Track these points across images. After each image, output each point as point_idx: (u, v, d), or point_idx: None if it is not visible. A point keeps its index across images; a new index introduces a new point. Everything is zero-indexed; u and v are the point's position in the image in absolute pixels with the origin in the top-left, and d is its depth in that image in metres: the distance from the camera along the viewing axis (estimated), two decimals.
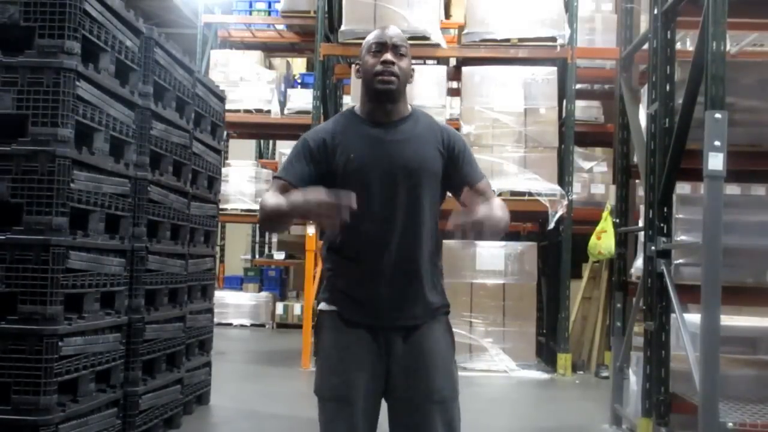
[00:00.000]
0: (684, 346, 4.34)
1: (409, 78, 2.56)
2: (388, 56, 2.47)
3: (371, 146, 2.50)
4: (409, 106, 2.61)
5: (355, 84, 9.14)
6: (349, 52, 9.59)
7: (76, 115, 3.77)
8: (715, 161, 3.89)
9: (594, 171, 10.01)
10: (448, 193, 2.65)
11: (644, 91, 5.63)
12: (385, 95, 2.50)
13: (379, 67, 2.47)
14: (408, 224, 2.49)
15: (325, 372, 2.53)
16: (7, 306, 3.59)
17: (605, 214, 8.37)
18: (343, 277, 2.55)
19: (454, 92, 10.34)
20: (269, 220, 2.45)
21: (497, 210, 2.38)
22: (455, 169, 2.57)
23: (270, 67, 12.79)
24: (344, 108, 11.13)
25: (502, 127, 8.87)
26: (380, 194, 2.47)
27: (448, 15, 10.84)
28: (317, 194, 2.24)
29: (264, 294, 13.61)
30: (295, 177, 2.49)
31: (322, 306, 2.59)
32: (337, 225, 2.25)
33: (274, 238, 16.58)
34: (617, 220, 6.34)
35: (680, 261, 4.86)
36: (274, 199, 2.42)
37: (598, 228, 8.40)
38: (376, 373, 2.48)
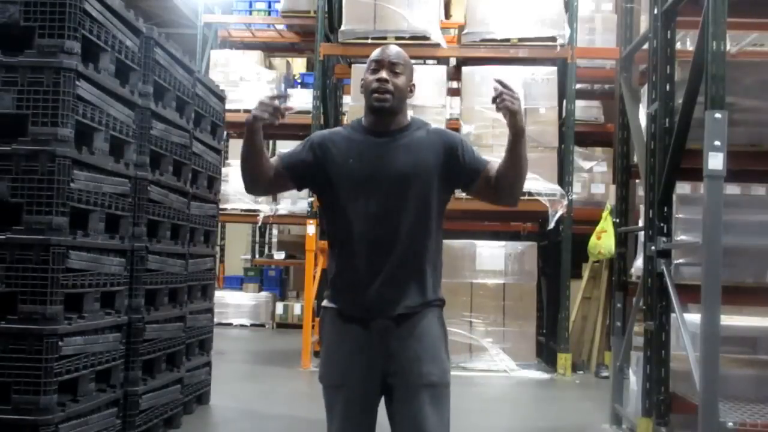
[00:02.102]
0: (684, 346, 4.34)
1: (407, 93, 2.70)
2: (383, 74, 2.64)
3: (368, 154, 2.65)
4: (409, 117, 2.76)
5: (355, 85, 9.16)
6: (349, 52, 9.59)
7: (76, 115, 3.77)
8: (715, 161, 3.89)
9: (594, 171, 10.01)
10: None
11: (644, 91, 5.62)
12: (380, 111, 2.65)
13: (375, 85, 2.65)
14: (404, 226, 2.61)
15: (325, 362, 2.73)
16: (7, 306, 3.60)
17: (605, 214, 8.37)
18: (341, 276, 2.69)
19: (454, 92, 10.34)
20: (242, 165, 2.66)
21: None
22: (459, 165, 2.69)
23: (270, 67, 12.79)
24: (345, 107, 11.20)
25: (503, 126, 8.64)
26: (375, 198, 2.61)
27: (448, 15, 10.84)
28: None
29: (264, 294, 13.61)
30: (286, 157, 2.74)
31: (325, 303, 2.76)
32: (277, 115, 2.52)
33: (274, 239, 16.60)
34: (617, 220, 6.34)
35: (680, 261, 4.85)
36: None
37: (598, 228, 8.39)
38: (370, 362, 2.61)
